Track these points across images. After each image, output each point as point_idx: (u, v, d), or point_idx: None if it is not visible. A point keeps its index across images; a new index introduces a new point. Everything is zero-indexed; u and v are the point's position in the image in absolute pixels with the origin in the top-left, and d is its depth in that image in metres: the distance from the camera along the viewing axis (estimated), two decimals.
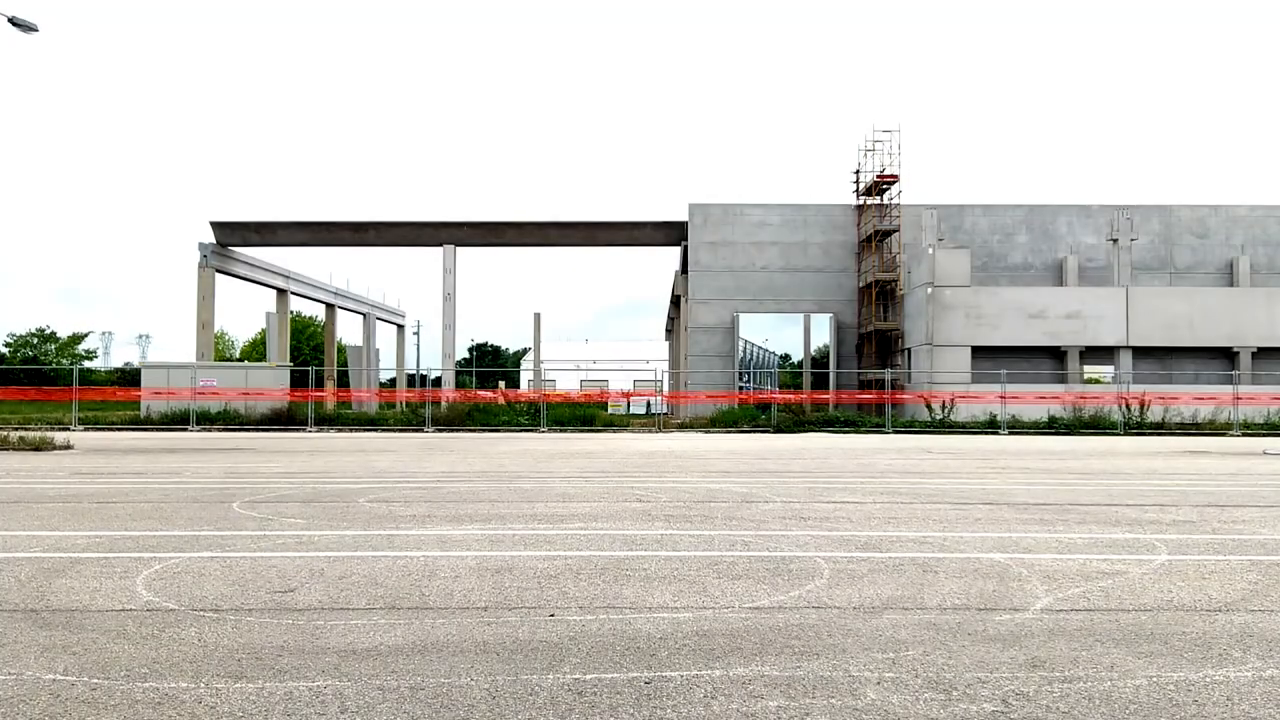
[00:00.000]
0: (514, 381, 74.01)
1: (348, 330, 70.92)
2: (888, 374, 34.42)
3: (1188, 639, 3.98)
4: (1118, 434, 27.69)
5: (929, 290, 33.74)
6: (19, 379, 55.83)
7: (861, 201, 39.66)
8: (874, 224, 38.23)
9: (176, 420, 29.50)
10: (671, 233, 42.06)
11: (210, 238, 41.38)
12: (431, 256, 43.76)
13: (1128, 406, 29.10)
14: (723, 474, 12.66)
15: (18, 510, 8.26)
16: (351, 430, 28.48)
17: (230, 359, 78.32)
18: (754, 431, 28.37)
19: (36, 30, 21.30)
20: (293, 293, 48.69)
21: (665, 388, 34.00)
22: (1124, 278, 35.81)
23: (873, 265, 38.17)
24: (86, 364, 73.66)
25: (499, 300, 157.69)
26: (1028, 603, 4.68)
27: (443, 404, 32.01)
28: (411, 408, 34.48)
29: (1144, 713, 3.06)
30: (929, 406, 30.24)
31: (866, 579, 5.27)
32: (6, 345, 74.99)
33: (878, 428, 28.97)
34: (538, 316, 55.93)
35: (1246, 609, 4.58)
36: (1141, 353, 34.02)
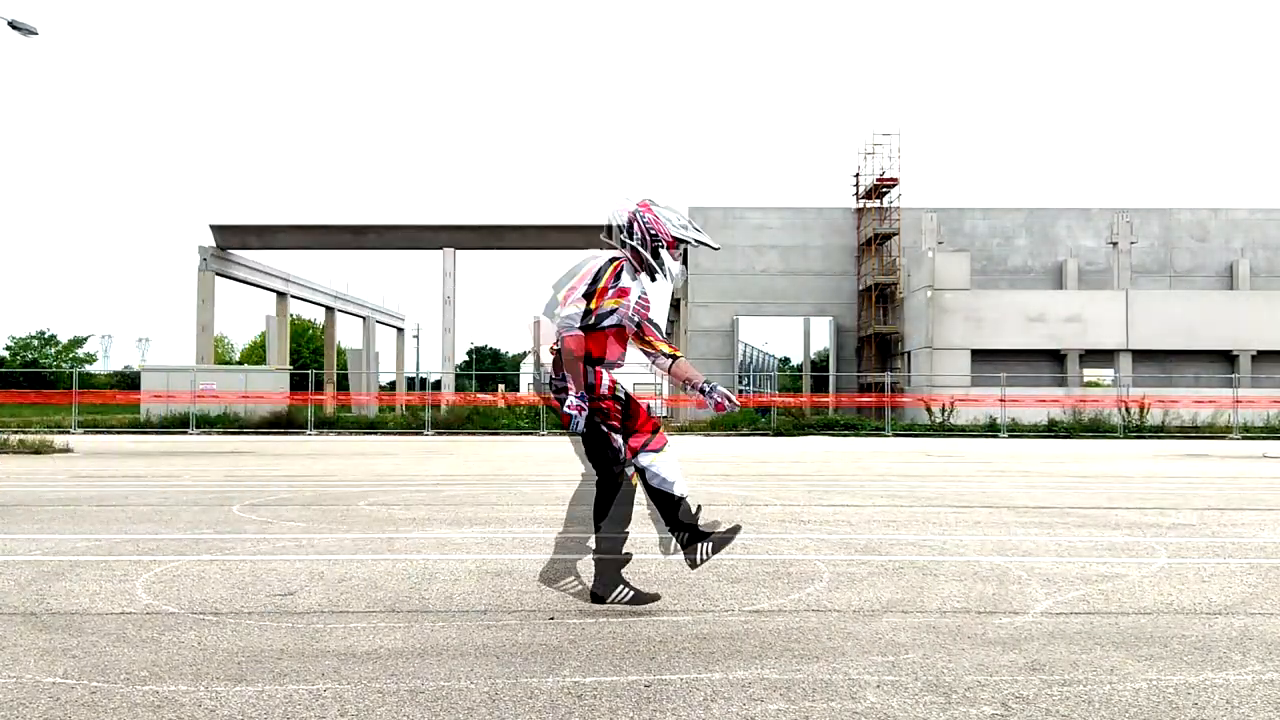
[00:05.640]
0: (514, 384, 73.94)
1: (347, 333, 70.87)
2: (887, 377, 34.42)
3: (1187, 642, 3.98)
4: (1117, 437, 27.69)
5: (929, 293, 33.77)
6: (19, 382, 55.86)
7: (861, 204, 39.70)
8: (874, 227, 38.26)
9: (176, 424, 29.50)
10: None
11: (210, 241, 41.39)
12: (431, 259, 43.80)
13: (1127, 410, 29.10)
14: (723, 477, 12.66)
15: (17, 513, 8.26)
16: (351, 433, 28.48)
17: (230, 362, 78.30)
18: (753, 434, 28.37)
19: (36, 33, 21.32)
20: (292, 296, 48.68)
21: (665, 390, 33.99)
22: (1124, 281, 35.85)
23: (872, 268, 38.20)
24: (86, 367, 73.68)
25: (499, 303, 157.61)
26: (1027, 606, 4.68)
27: (443, 407, 32.02)
28: (411, 411, 34.48)
29: (1144, 716, 3.06)
30: (929, 410, 30.24)
31: (866, 582, 5.27)
32: (7, 348, 75.00)
33: (877, 431, 28.98)
34: (538, 320, 55.90)
35: (1246, 612, 4.58)
36: (1141, 356, 34.04)
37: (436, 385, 47.74)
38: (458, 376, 47.62)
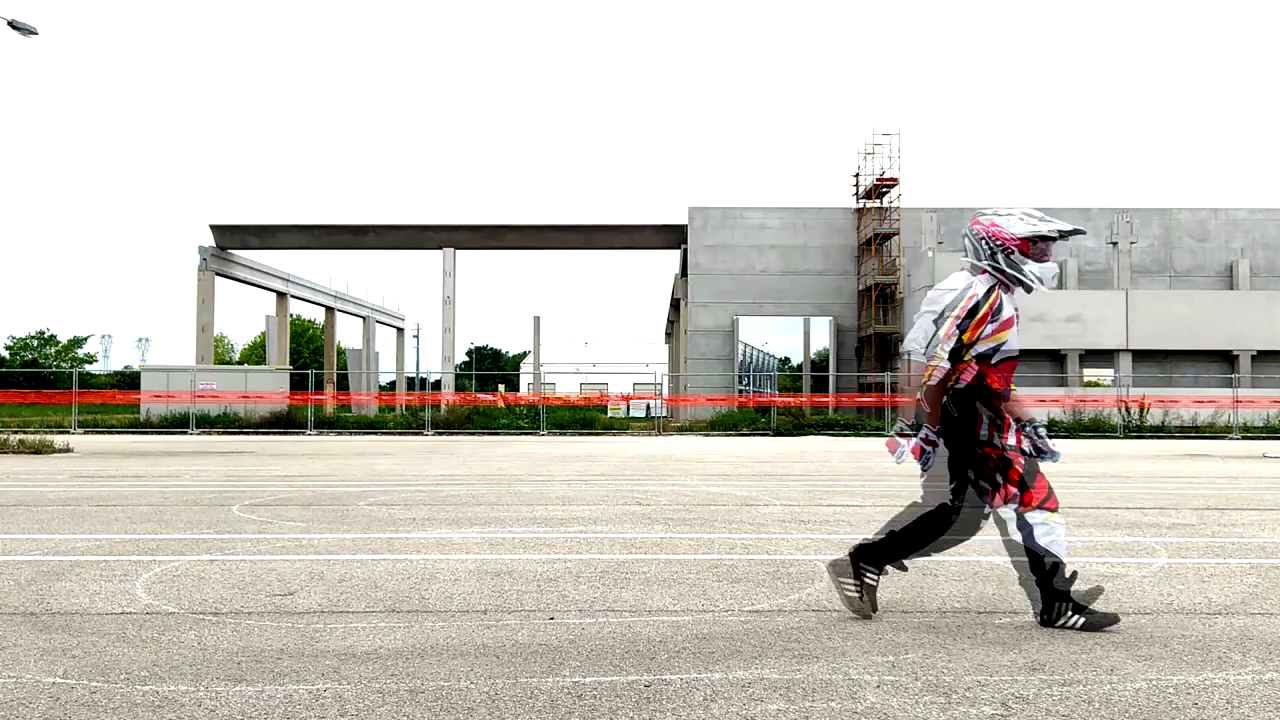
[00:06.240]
0: (514, 384, 73.95)
1: (347, 333, 70.94)
2: (887, 377, 34.39)
3: (1187, 642, 3.98)
4: (1117, 437, 27.69)
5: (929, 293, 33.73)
6: (19, 382, 55.87)
7: (861, 204, 39.69)
8: (873, 227, 38.25)
9: (176, 423, 29.50)
10: (671, 236, 42.08)
11: (210, 241, 41.40)
12: (431, 259, 43.83)
13: (1127, 409, 29.10)
14: (723, 477, 12.66)
15: (17, 513, 8.26)
16: (351, 433, 28.48)
17: (230, 362, 78.32)
18: (754, 434, 28.37)
19: (36, 33, 21.32)
20: (292, 296, 48.69)
21: (665, 391, 33.99)
22: (1124, 281, 35.83)
23: (872, 268, 38.19)
24: (86, 367, 73.68)
25: (499, 303, 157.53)
26: (1027, 606, 4.68)
27: (442, 407, 32.02)
28: (411, 411, 34.47)
29: (1143, 716, 3.06)
30: None
31: None
32: (7, 348, 75.03)
33: (878, 431, 28.97)
34: (537, 319, 56.05)
35: (1246, 612, 4.58)
36: (1141, 356, 34.01)
37: (436, 385, 47.76)
38: (457, 376, 47.62)
